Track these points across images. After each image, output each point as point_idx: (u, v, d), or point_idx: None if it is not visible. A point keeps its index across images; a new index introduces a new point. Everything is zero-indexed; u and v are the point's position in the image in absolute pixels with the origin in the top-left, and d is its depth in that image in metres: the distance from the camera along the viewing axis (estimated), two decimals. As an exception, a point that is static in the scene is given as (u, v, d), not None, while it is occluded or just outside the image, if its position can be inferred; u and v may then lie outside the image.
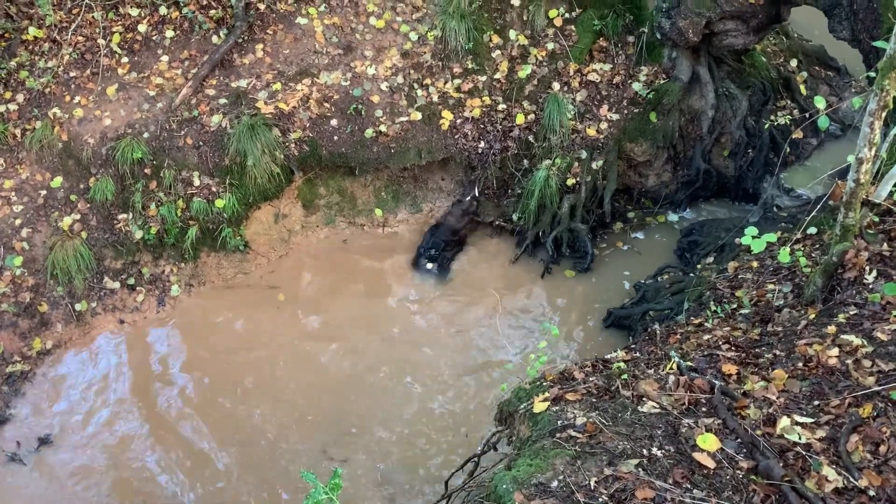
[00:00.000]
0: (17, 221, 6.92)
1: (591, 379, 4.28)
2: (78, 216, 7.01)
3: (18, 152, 7.15)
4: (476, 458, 4.91)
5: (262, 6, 7.48)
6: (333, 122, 7.29)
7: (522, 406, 4.22)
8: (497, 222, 7.57)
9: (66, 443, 6.28)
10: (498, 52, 7.44)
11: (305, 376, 6.63)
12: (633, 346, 5.35)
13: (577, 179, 7.19)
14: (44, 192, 7.04)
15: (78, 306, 6.83)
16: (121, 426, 6.28)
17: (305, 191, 7.61)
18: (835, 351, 4.13)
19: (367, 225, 7.76)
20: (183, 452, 6.13)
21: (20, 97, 7.25)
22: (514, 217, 7.39)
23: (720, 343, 4.78)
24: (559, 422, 3.90)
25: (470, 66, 7.40)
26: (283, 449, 6.13)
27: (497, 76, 7.40)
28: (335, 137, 7.31)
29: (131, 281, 7.02)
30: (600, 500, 3.21)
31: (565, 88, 7.36)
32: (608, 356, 4.73)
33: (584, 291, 7.26)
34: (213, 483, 5.96)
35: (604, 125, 7.31)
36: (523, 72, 7.34)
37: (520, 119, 7.29)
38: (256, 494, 5.88)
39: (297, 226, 7.69)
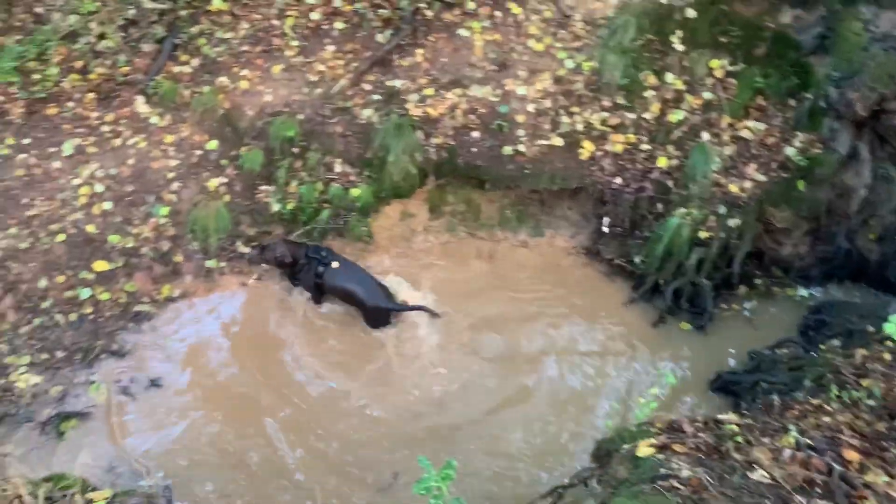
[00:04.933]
0: (171, 175, 7.41)
1: (700, 435, 4.16)
2: (225, 180, 7.44)
3: (184, 112, 7.66)
4: (561, 490, 4.86)
5: (429, 13, 7.73)
6: (475, 134, 7.43)
7: (625, 447, 4.15)
8: (617, 261, 7.48)
9: (172, 388, 6.64)
10: (651, 92, 7.38)
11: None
12: (745, 412, 5.15)
13: (711, 234, 7.00)
14: (199, 153, 7.52)
15: (208, 263, 7.23)
16: (227, 383, 6.59)
17: (435, 195, 7.78)
18: (975, 461, 3.85)
19: (485, 238, 7.84)
20: (277, 414, 6.39)
21: (195, 62, 7.79)
22: (637, 259, 7.28)
23: (842, 428, 4.53)
24: (662, 470, 3.82)
25: (620, 102, 7.38)
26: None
27: (646, 116, 7.34)
28: (474, 149, 7.44)
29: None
30: (700, 556, 3.11)
31: (714, 140, 7.21)
32: (720, 416, 4.58)
33: (694, 348, 7.05)
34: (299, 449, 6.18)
35: (748, 184, 7.11)
36: (674, 116, 7.25)
37: (662, 162, 7.20)
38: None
39: (420, 227, 7.85)
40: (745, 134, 7.24)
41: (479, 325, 7.12)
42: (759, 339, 7.02)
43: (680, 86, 7.37)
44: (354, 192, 7.36)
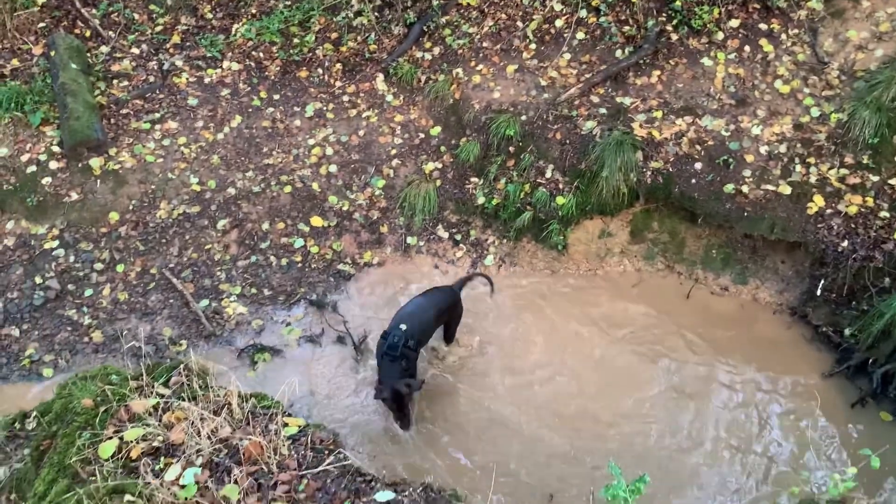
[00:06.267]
0: (393, 152, 7.85)
1: (902, 531, 3.76)
2: (440, 165, 7.76)
3: (416, 95, 8.09)
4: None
5: (674, 37, 7.60)
6: (697, 165, 7.19)
7: (812, 519, 3.85)
8: (823, 329, 6.92)
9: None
10: (904, 157, 6.76)
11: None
12: (954, 523, 4.58)
13: (942, 322, 6.30)
14: (422, 136, 7.90)
15: (409, 239, 7.58)
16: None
17: (639, 219, 7.63)
18: None
19: (683, 274, 7.56)
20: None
21: (437, 50, 8.19)
22: (847, 331, 6.70)
23: None
24: (853, 555, 3.50)
25: (864, 162, 6.83)
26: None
27: (892, 182, 6.73)
28: (693, 180, 7.20)
29: (458, 237, 7.62)
30: None
31: (969, 223, 6.47)
32: (927, 518, 4.11)
33: (893, 441, 6.37)
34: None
35: None
36: (926, 188, 6.60)
37: (900, 234, 6.58)
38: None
39: (617, 248, 7.73)
40: None
41: (660, 362, 6.89)
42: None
43: (940, 155, 6.70)
44: (560, 199, 7.39)
